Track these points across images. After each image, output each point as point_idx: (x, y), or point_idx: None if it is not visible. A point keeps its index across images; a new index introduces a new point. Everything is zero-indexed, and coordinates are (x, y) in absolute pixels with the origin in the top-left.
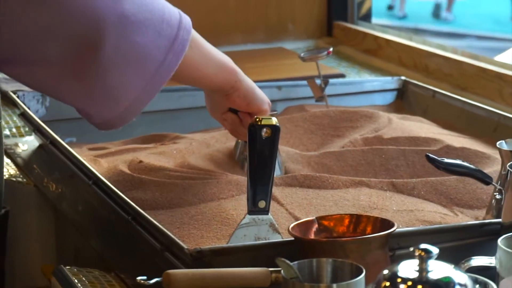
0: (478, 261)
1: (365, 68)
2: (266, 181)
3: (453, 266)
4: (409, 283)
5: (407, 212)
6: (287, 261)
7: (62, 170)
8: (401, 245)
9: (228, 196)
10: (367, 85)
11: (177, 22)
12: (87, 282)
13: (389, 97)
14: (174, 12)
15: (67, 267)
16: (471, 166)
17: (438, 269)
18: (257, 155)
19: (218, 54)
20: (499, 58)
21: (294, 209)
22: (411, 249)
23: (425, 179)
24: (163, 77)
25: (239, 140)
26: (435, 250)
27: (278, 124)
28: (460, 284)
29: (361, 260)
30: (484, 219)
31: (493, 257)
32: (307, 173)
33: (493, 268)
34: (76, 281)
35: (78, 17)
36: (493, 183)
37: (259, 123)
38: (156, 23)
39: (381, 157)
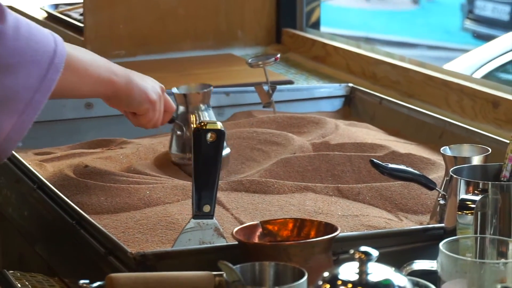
0: (420, 264)
1: (313, 75)
2: (211, 185)
3: (393, 269)
4: (349, 285)
5: (352, 217)
6: (229, 265)
7: (7, 175)
8: (344, 249)
9: (173, 201)
10: (315, 91)
11: (48, 60)
12: (30, 287)
13: (337, 104)
14: (49, 49)
15: (11, 271)
16: (415, 171)
17: (378, 272)
18: (202, 160)
19: (95, 70)
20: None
21: (239, 213)
22: (351, 251)
23: (371, 184)
24: (31, 116)
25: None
26: (374, 252)
27: (223, 129)
28: (399, 287)
29: (304, 264)
30: (428, 224)
31: (435, 261)
32: (253, 178)
33: (436, 272)
34: (19, 285)
35: None
36: (437, 188)
37: (204, 127)
38: (27, 65)
39: (327, 163)
